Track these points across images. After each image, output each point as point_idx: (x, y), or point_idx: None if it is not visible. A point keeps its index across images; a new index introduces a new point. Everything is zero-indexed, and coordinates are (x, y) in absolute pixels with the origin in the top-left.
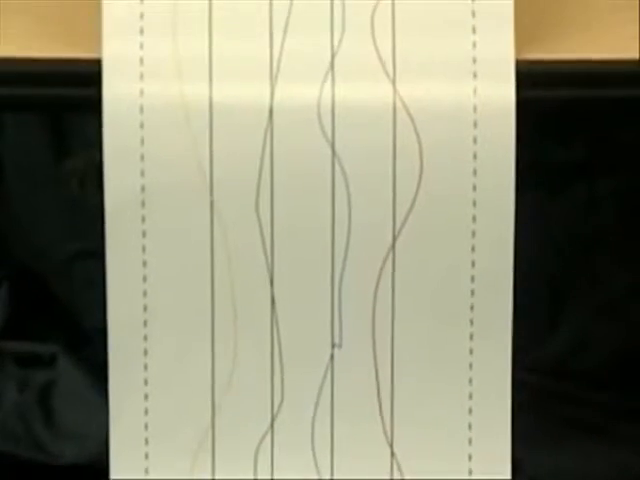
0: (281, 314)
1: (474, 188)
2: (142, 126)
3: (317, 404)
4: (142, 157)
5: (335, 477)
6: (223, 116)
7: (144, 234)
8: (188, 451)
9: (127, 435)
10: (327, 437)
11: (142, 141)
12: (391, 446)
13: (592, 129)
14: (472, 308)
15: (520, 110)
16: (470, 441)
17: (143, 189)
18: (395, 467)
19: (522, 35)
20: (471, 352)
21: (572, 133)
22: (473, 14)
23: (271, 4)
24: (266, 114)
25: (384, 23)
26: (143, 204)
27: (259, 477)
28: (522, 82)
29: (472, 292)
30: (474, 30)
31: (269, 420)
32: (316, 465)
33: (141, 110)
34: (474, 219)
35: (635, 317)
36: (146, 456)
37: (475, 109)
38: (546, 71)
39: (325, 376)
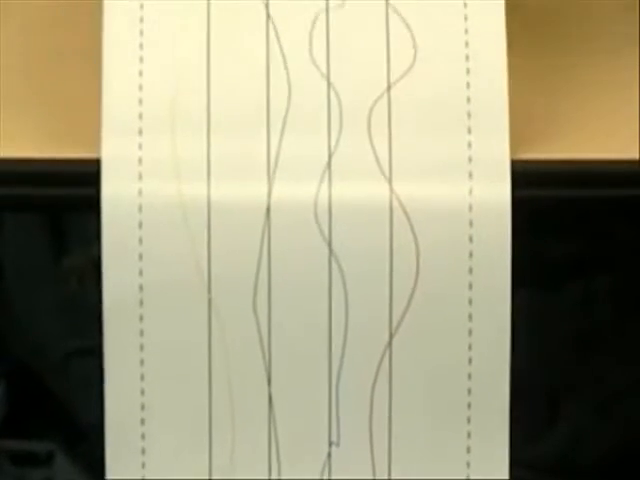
0: (278, 412)
1: (470, 287)
2: (141, 225)
3: None
4: (140, 256)
5: None
6: (221, 215)
7: (142, 333)
8: None
9: None
10: None
11: (140, 240)
12: None
13: (589, 227)
14: (469, 406)
15: (516, 209)
16: None
17: (141, 288)
18: None
19: (518, 135)
20: (469, 450)
21: (569, 231)
22: (469, 115)
23: (268, 103)
24: (263, 213)
25: (380, 123)
26: (141, 303)
27: None
28: (518, 182)
29: (469, 390)
30: (469, 131)
31: None
32: None
33: (140, 209)
34: (470, 317)
35: (634, 414)
36: None
37: (471, 208)
38: (542, 171)
39: (322, 474)
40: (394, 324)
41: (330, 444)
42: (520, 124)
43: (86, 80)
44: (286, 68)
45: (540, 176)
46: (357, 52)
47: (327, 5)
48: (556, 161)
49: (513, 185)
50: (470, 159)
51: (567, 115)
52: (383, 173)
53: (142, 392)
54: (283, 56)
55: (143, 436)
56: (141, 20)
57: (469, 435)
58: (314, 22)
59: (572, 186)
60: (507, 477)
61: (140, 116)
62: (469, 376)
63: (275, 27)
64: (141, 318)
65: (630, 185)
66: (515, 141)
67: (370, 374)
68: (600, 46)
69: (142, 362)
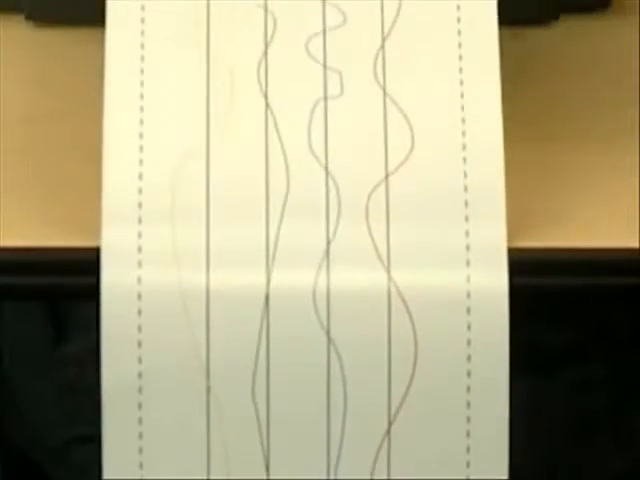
0: None
1: (468, 374)
2: (140, 313)
3: None
4: (140, 344)
5: None
6: (220, 303)
7: (140, 421)
8: None
9: None
10: None
11: (140, 328)
12: None
13: (587, 315)
14: None
15: (514, 296)
16: None
17: (140, 376)
18: None
19: (515, 223)
20: None
21: (566, 318)
22: (466, 204)
23: (267, 191)
24: (262, 301)
25: (378, 211)
26: (140, 390)
27: None
28: (515, 269)
29: (467, 478)
30: (467, 219)
31: None
32: None
33: (139, 297)
34: (468, 405)
35: None
36: None
37: (469, 295)
38: (539, 259)
39: None
40: (392, 411)
41: None
42: (517, 212)
43: (86, 169)
44: (285, 157)
45: (537, 264)
46: (355, 141)
47: (325, 94)
48: (553, 249)
49: (510, 273)
50: (468, 247)
51: (565, 202)
52: (381, 261)
53: None
54: (282, 145)
55: None
56: (141, 110)
57: None
58: (313, 111)
59: (569, 274)
60: None
61: (140, 205)
62: (467, 464)
63: (274, 116)
64: (140, 406)
65: (629, 273)
66: (512, 229)
67: (368, 462)
68: (599, 133)
69: (141, 450)
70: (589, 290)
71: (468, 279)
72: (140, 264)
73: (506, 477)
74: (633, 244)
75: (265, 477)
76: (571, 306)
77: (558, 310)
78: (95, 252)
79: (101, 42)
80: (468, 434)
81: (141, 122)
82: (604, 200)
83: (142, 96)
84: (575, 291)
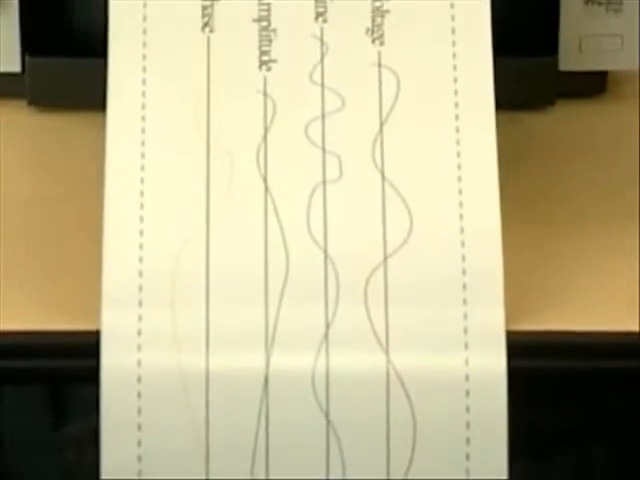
0: None
1: (467, 457)
2: (140, 396)
3: None
4: (139, 427)
5: None
6: (220, 385)
7: None
8: None
9: None
10: None
11: (139, 411)
12: None
13: (586, 397)
14: None
15: (512, 379)
16: None
17: (140, 459)
18: None
19: (513, 305)
20: None
21: (565, 400)
22: (464, 287)
23: (266, 275)
24: (261, 383)
25: (377, 294)
26: (140, 473)
27: None
28: (514, 352)
29: None
30: (465, 302)
31: None
32: None
33: (139, 380)
34: None
35: None
36: None
37: (467, 378)
38: (538, 341)
39: None
40: None
41: None
42: (516, 294)
43: (87, 252)
44: (284, 240)
45: (536, 347)
46: (354, 224)
47: (324, 178)
48: (552, 332)
49: (509, 356)
50: (466, 330)
51: (564, 285)
52: (380, 344)
53: None
54: (281, 228)
55: None
56: (141, 194)
57: None
58: (312, 195)
59: (568, 357)
60: None
61: (140, 288)
62: None
63: (273, 200)
64: None
65: (629, 357)
66: (511, 312)
67: None
68: (596, 215)
69: None
70: (588, 373)
71: (467, 362)
72: (140, 347)
73: None
74: (633, 327)
75: None
76: (570, 389)
77: (557, 393)
78: (95, 335)
79: (102, 127)
80: None
81: (141, 206)
82: (603, 283)
83: (142, 180)
84: (574, 374)
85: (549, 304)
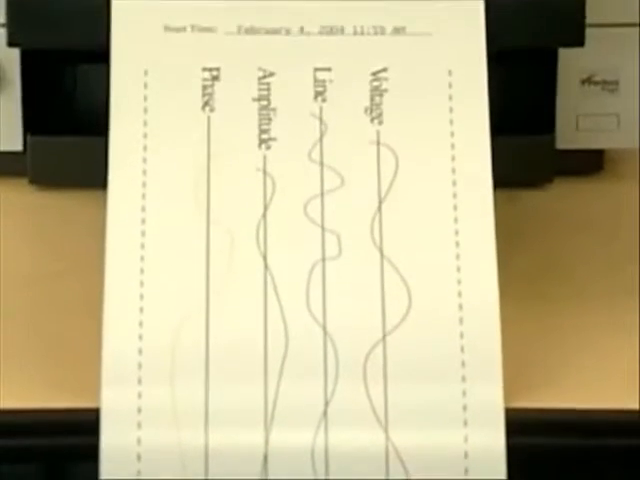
0: None
1: None
2: (139, 474)
3: None
4: None
5: None
6: (219, 462)
7: None
8: None
9: None
10: None
11: None
12: None
13: (586, 475)
14: None
15: (511, 456)
16: None
17: None
18: None
19: (512, 382)
20: None
21: (564, 477)
22: (463, 364)
23: (266, 352)
24: (261, 460)
25: (376, 371)
26: None
27: None
28: (513, 430)
29: None
30: (464, 379)
31: None
32: None
33: (138, 458)
34: None
35: None
36: None
37: (466, 456)
38: (537, 419)
39: None
40: None
41: None
42: (514, 371)
43: (87, 330)
44: (283, 317)
45: (535, 424)
46: (353, 302)
47: (323, 256)
48: (551, 410)
49: (508, 433)
50: (465, 407)
51: (563, 362)
52: (379, 421)
53: None
54: (280, 305)
55: None
56: (141, 271)
57: None
58: (311, 272)
59: (568, 435)
60: None
61: (139, 366)
62: None
63: (273, 277)
64: None
65: (629, 435)
66: (509, 389)
67: None
68: (595, 292)
69: None
70: (588, 451)
71: (466, 439)
72: (140, 425)
73: None
74: (633, 405)
75: None
76: (570, 467)
77: (556, 470)
78: (95, 413)
79: (103, 204)
80: None
81: (141, 284)
82: (603, 360)
83: (142, 258)
84: (574, 452)
85: (548, 381)
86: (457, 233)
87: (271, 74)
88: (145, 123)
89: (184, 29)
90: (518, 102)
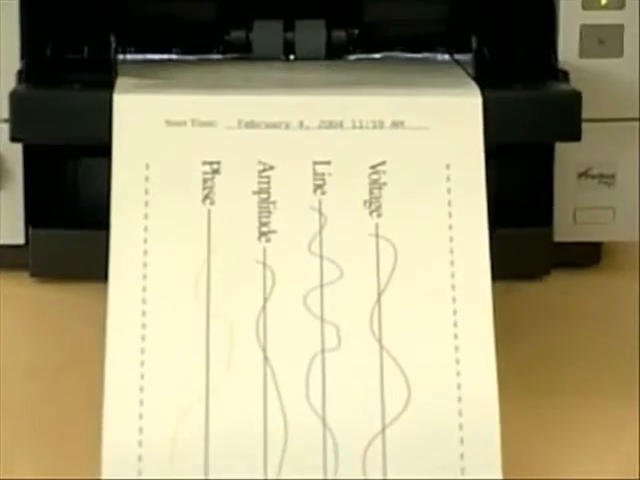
0: None
1: None
2: None
3: None
4: None
5: None
6: None
7: None
8: None
9: None
10: None
11: None
12: None
13: None
14: None
15: None
16: None
17: None
18: None
19: (511, 474)
20: None
21: None
22: (462, 456)
23: (265, 444)
24: None
25: (375, 463)
26: None
27: None
28: None
29: None
30: (463, 472)
31: None
32: None
33: None
34: None
35: None
36: None
37: None
38: None
39: None
40: None
41: None
42: (513, 464)
43: (88, 423)
44: (282, 409)
45: None
46: (352, 393)
47: (323, 347)
48: None
49: None
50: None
51: (561, 455)
52: None
53: None
54: (280, 397)
55: None
56: (142, 364)
57: None
58: (310, 364)
59: None
60: None
61: (140, 458)
62: None
63: (272, 369)
64: None
65: None
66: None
67: None
68: (594, 385)
69: None
70: None
71: None
72: None
73: None
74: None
75: None
76: None
77: None
78: None
79: (104, 298)
80: None
81: (142, 376)
82: (601, 454)
83: (143, 350)
84: None
85: (546, 474)
86: (456, 325)
87: (271, 167)
88: (146, 216)
89: (185, 123)
90: (516, 195)
